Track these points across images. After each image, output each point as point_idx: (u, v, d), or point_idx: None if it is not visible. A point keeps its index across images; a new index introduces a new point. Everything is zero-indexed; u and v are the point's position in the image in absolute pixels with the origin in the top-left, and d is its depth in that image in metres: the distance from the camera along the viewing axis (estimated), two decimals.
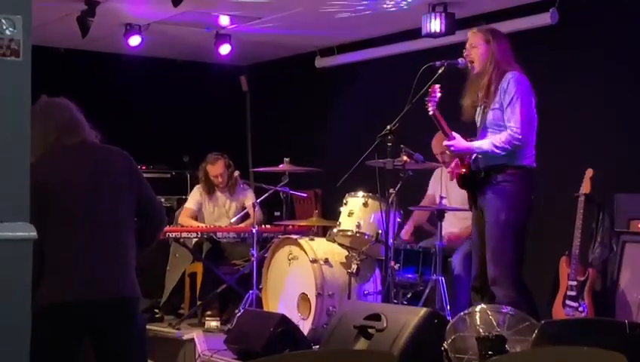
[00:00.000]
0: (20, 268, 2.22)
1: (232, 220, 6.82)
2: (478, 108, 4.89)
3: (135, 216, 3.47)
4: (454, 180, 5.97)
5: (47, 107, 3.45)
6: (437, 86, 4.81)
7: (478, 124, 4.91)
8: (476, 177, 4.86)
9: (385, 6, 6.69)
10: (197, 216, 6.96)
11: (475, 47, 4.84)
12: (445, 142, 4.89)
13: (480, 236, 4.90)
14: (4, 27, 2.11)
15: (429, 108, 4.81)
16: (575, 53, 6.29)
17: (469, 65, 4.87)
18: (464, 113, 4.92)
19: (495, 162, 4.75)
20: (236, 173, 6.86)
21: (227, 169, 6.97)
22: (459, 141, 4.82)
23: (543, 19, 6.27)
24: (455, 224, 5.98)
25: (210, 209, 7.02)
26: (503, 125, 4.70)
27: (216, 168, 6.94)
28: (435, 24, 6.54)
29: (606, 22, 6.12)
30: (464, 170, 4.95)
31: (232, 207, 7.01)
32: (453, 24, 6.57)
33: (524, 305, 4.48)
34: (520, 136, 4.64)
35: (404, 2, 6.58)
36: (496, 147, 4.67)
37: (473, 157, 4.90)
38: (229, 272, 6.70)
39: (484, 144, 4.74)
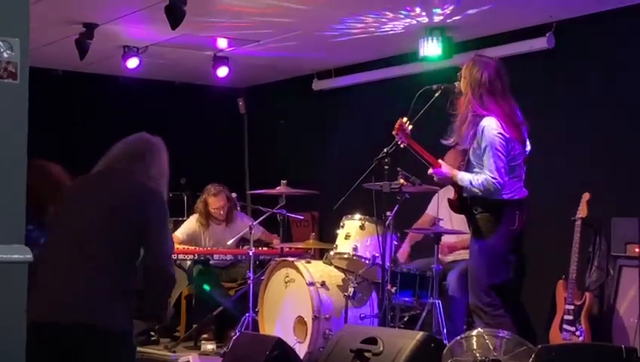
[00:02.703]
0: (14, 291, 2.20)
1: (229, 242, 6.79)
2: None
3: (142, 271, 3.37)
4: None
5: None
6: (403, 119, 4.85)
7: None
8: (465, 204, 4.89)
9: (382, 29, 6.72)
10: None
11: (464, 78, 4.83)
12: (430, 171, 4.92)
13: None
14: (2, 50, 2.11)
15: (399, 142, 4.84)
16: (572, 77, 6.31)
17: (457, 89, 4.88)
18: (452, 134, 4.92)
19: (475, 194, 4.77)
20: (233, 195, 6.85)
21: (228, 202, 6.91)
22: (444, 167, 4.87)
23: (540, 43, 6.30)
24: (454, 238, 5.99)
25: (206, 240, 6.97)
26: (482, 165, 4.72)
27: (218, 201, 6.88)
28: (433, 47, 6.57)
29: (603, 46, 6.15)
30: (453, 196, 4.98)
31: (228, 240, 6.98)
32: (451, 48, 6.60)
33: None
34: (496, 182, 4.63)
35: (402, 26, 6.61)
36: (473, 185, 4.71)
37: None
38: (224, 294, 6.68)
39: (465, 178, 4.76)
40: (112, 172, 3.49)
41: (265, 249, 6.77)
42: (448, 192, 6.05)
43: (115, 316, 3.26)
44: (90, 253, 3.26)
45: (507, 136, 4.67)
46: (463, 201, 4.88)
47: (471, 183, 4.71)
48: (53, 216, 3.37)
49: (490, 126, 4.65)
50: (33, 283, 3.08)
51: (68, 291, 3.21)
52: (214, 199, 6.90)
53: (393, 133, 4.82)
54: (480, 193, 4.69)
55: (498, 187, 4.65)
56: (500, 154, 4.65)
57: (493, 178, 4.64)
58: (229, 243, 6.80)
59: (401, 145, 4.85)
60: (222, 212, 6.91)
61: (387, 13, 6.27)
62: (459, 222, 6.01)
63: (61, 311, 3.19)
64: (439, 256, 5.53)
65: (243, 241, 6.87)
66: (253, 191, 6.94)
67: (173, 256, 6.44)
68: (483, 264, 4.74)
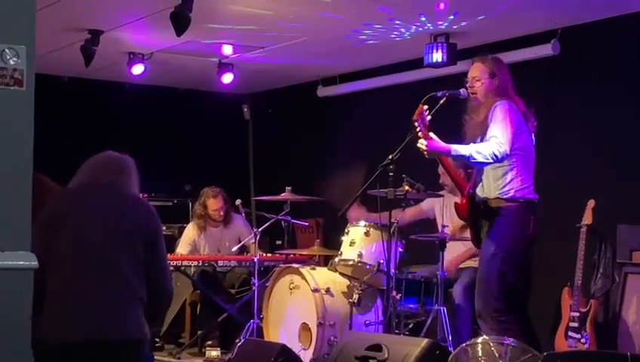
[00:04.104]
0: (20, 298, 2.21)
1: (233, 249, 6.81)
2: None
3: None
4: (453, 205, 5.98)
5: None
6: (424, 107, 4.66)
7: None
8: (477, 209, 4.83)
9: (387, 36, 6.72)
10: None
11: (479, 80, 4.80)
12: (418, 143, 4.64)
13: None
14: (8, 57, 2.12)
15: (417, 129, 4.64)
16: (577, 84, 6.31)
17: (471, 96, 4.85)
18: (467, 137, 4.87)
19: (491, 195, 4.71)
20: (238, 202, 6.86)
21: (225, 203, 6.98)
22: (434, 141, 4.63)
23: (545, 49, 6.30)
24: (459, 250, 5.96)
25: (204, 247, 7.00)
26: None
27: (217, 202, 6.94)
28: (437, 54, 6.57)
29: (607, 53, 6.14)
30: (463, 201, 4.91)
31: (226, 241, 7.01)
32: (455, 54, 6.60)
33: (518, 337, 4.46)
34: (502, 148, 4.52)
35: (407, 32, 6.61)
36: (479, 153, 4.53)
37: (475, 187, 4.87)
38: (228, 300, 6.69)
39: (463, 149, 4.60)
40: (107, 185, 3.48)
41: (269, 255, 6.77)
42: (448, 199, 6.06)
43: (141, 326, 3.31)
44: (112, 266, 3.28)
45: (518, 113, 4.67)
46: (474, 205, 4.84)
47: (476, 150, 4.52)
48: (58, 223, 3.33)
49: (503, 104, 4.64)
50: (48, 297, 3.10)
51: (96, 308, 3.22)
52: (213, 201, 6.95)
53: (413, 118, 4.65)
54: (483, 161, 4.53)
55: (501, 154, 4.50)
56: (508, 124, 4.59)
57: (498, 142, 4.51)
58: (233, 249, 6.82)
59: (419, 134, 4.63)
60: (221, 213, 6.96)
61: (392, 20, 6.27)
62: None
63: (94, 328, 3.20)
64: (445, 270, 5.52)
65: (241, 248, 6.89)
66: (258, 198, 6.95)
67: (177, 262, 6.54)
68: (495, 269, 4.65)
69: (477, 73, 4.82)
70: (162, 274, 3.47)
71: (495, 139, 4.55)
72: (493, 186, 4.70)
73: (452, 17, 6.18)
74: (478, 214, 4.82)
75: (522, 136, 4.71)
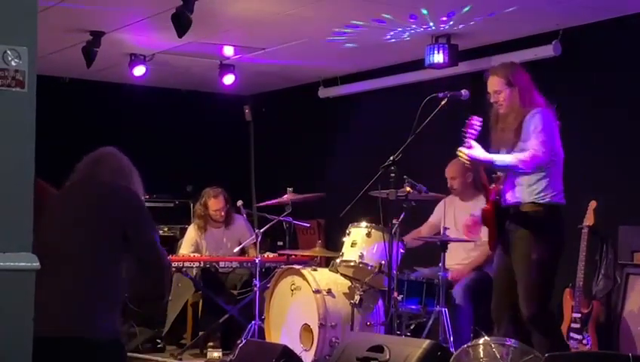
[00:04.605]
0: (22, 299, 2.21)
1: (235, 250, 6.82)
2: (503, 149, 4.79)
3: (134, 262, 3.36)
4: (461, 209, 5.98)
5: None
6: (476, 118, 4.65)
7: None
8: (505, 213, 4.76)
9: (388, 37, 6.73)
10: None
11: (499, 93, 4.74)
12: (461, 148, 4.61)
13: (503, 271, 4.80)
14: (10, 58, 2.12)
15: (466, 141, 4.62)
16: (578, 85, 6.31)
17: (495, 105, 4.78)
18: (494, 144, 4.83)
19: (525, 200, 4.67)
20: (239, 203, 6.86)
21: (226, 204, 6.98)
22: (477, 150, 4.63)
23: (546, 51, 6.30)
24: (461, 254, 5.96)
25: (205, 247, 7.00)
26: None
27: (217, 202, 6.94)
28: (438, 55, 6.57)
29: (609, 54, 6.14)
30: (488, 207, 4.83)
31: (228, 241, 7.01)
32: (456, 55, 6.60)
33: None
34: (542, 155, 4.56)
35: (407, 34, 6.62)
36: (522, 161, 4.55)
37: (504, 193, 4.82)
38: (230, 302, 6.69)
39: (507, 158, 4.62)
40: (80, 181, 3.49)
41: (271, 256, 6.78)
42: (454, 200, 6.06)
43: (103, 326, 3.22)
44: (75, 264, 3.22)
45: (555, 120, 4.71)
46: (500, 211, 4.77)
47: (519, 160, 4.53)
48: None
49: (543, 113, 4.65)
50: None
51: (55, 304, 3.14)
52: (214, 201, 6.96)
53: (465, 130, 4.63)
54: (527, 170, 4.56)
55: (541, 161, 4.55)
56: (550, 133, 4.62)
57: (538, 150, 4.53)
58: (235, 250, 6.82)
59: (466, 145, 4.61)
60: (221, 213, 6.96)
61: (393, 21, 6.28)
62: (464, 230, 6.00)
63: (49, 324, 3.07)
64: (450, 277, 5.53)
65: (242, 248, 6.90)
66: (260, 204, 6.96)
67: (179, 264, 6.53)
68: (542, 274, 4.64)
69: (496, 87, 4.75)
70: (150, 250, 3.37)
71: (538, 148, 4.56)
72: (527, 191, 4.65)
73: (453, 18, 6.18)
74: (507, 219, 4.74)
75: (557, 142, 4.73)
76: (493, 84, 4.77)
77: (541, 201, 4.65)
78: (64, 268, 3.19)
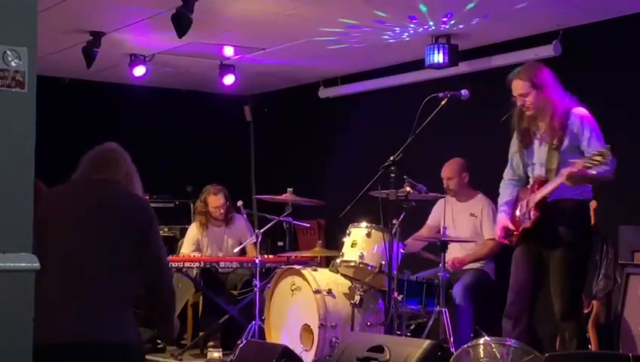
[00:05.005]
0: (22, 300, 2.21)
1: (235, 250, 6.83)
2: (536, 143, 4.73)
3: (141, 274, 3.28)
4: (459, 209, 5.99)
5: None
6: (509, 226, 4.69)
7: (533, 159, 4.75)
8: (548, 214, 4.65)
9: (388, 37, 6.73)
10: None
11: (526, 96, 4.67)
12: (570, 169, 4.40)
13: (530, 272, 4.72)
14: (10, 59, 2.11)
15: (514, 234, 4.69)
16: (578, 85, 6.29)
17: (522, 108, 4.71)
18: (522, 139, 4.79)
19: (564, 196, 4.60)
20: (239, 203, 6.86)
21: (226, 201, 6.99)
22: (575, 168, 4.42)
23: (546, 51, 6.29)
24: (460, 252, 5.97)
25: (206, 246, 7.01)
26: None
27: (217, 199, 6.96)
28: (438, 55, 6.57)
29: (609, 54, 6.14)
30: (528, 225, 4.67)
31: (229, 241, 7.01)
32: (457, 55, 6.60)
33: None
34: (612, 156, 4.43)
35: (407, 34, 6.61)
36: (611, 167, 4.43)
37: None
38: (230, 302, 6.69)
39: (600, 167, 4.41)
40: (93, 182, 3.37)
41: (271, 256, 6.78)
42: (451, 201, 6.06)
43: (124, 330, 3.18)
44: (91, 269, 3.16)
45: None
46: (546, 224, 4.64)
47: (610, 166, 4.40)
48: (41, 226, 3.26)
49: (586, 112, 4.64)
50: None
51: (71, 310, 3.10)
52: (214, 198, 6.96)
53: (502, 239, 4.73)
54: (612, 172, 4.48)
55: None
56: (600, 135, 4.59)
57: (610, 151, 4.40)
58: (235, 250, 6.83)
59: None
60: (222, 211, 6.97)
61: (393, 21, 6.28)
62: (463, 230, 6.02)
63: (73, 330, 3.08)
64: (447, 269, 5.54)
65: (242, 248, 6.90)
66: (259, 196, 6.96)
67: (179, 264, 6.54)
68: (582, 269, 4.67)
69: (521, 90, 4.68)
70: (155, 273, 3.31)
71: (603, 149, 4.39)
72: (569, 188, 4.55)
73: (453, 18, 6.18)
74: (545, 215, 4.65)
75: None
76: (518, 87, 4.70)
77: (579, 198, 4.63)
78: (66, 269, 3.13)
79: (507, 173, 4.95)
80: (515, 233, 4.73)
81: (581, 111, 4.68)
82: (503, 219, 4.79)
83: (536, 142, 4.74)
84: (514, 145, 4.87)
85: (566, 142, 4.60)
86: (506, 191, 4.91)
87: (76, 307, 3.11)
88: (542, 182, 4.64)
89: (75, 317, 3.10)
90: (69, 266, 3.15)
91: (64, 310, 3.10)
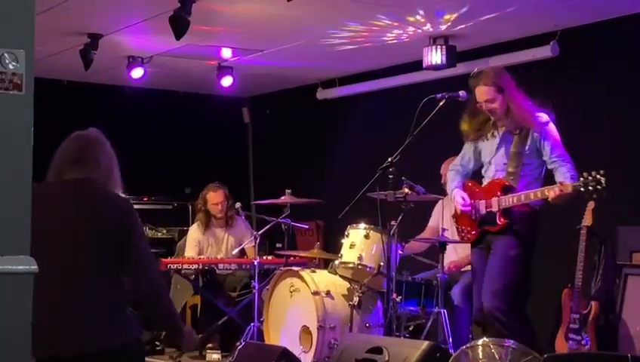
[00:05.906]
0: (20, 302, 2.21)
1: (234, 252, 6.83)
2: (492, 143, 4.84)
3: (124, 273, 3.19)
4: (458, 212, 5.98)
5: (64, 140, 3.29)
6: None
7: (488, 159, 4.87)
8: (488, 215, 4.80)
9: (386, 38, 6.73)
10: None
11: (493, 102, 4.72)
12: (557, 193, 4.52)
13: (484, 271, 4.85)
14: (7, 61, 2.11)
15: None
16: (575, 86, 6.31)
17: (488, 113, 4.80)
18: (474, 138, 4.91)
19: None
20: (238, 205, 6.86)
21: (226, 200, 6.99)
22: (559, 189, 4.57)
23: (544, 51, 6.31)
24: (460, 255, 5.97)
25: (207, 246, 7.01)
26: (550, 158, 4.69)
27: (217, 196, 6.97)
28: (436, 57, 6.58)
29: (606, 55, 6.15)
30: (467, 208, 4.89)
31: (229, 242, 7.01)
32: (454, 56, 6.61)
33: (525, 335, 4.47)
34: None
35: (405, 35, 6.62)
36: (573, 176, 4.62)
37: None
38: (229, 304, 6.69)
39: (572, 178, 4.61)
40: (69, 184, 3.22)
41: (270, 258, 6.78)
42: (449, 201, 6.05)
43: (123, 332, 3.13)
44: (79, 274, 3.08)
45: None
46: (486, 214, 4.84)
47: (572, 177, 4.59)
48: None
49: (548, 118, 4.72)
50: None
51: (63, 319, 3.03)
52: (214, 194, 6.97)
53: None
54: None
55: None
56: (559, 141, 4.71)
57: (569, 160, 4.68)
58: (234, 252, 6.83)
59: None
60: (221, 208, 6.96)
61: (391, 22, 6.28)
62: None
63: (61, 341, 3.01)
64: (446, 272, 5.54)
65: (241, 250, 6.90)
66: (257, 202, 6.95)
67: (177, 266, 6.53)
68: (514, 275, 4.75)
69: (487, 96, 4.74)
70: (140, 276, 3.21)
71: (563, 156, 4.65)
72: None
73: (451, 19, 6.18)
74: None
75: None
76: (483, 93, 4.74)
77: (536, 206, 4.75)
78: (51, 279, 2.96)
79: (455, 165, 5.10)
80: (472, 232, 4.87)
81: (543, 116, 4.73)
82: (460, 192, 4.92)
83: (491, 143, 4.82)
84: (469, 146, 5.00)
85: (527, 147, 4.69)
86: (457, 177, 5.05)
87: (69, 318, 3.05)
88: (504, 187, 4.72)
89: (70, 328, 3.04)
90: (54, 278, 3.01)
91: (55, 322, 3.02)
